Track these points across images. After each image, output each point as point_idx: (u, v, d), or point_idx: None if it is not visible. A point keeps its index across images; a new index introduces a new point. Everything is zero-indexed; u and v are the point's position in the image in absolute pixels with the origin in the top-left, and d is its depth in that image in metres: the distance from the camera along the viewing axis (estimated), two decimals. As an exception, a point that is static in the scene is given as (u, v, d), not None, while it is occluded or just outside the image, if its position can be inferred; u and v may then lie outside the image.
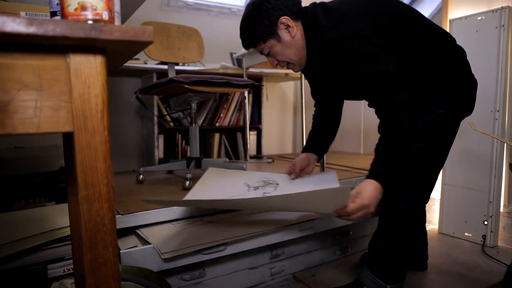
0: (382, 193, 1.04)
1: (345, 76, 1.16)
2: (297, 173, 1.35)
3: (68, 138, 0.81)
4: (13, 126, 0.45)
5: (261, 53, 1.21)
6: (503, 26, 1.65)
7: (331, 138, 1.45)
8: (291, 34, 1.14)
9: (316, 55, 1.17)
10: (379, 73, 1.05)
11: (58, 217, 1.17)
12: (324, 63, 1.18)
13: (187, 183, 1.55)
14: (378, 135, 1.41)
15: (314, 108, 1.47)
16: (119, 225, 1.14)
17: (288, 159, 2.51)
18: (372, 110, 1.21)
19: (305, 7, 1.17)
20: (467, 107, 1.21)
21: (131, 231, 1.19)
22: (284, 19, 1.13)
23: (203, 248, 1.11)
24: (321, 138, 1.44)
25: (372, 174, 1.05)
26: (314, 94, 1.46)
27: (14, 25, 0.41)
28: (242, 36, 1.21)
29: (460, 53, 1.19)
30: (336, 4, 1.14)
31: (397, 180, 1.09)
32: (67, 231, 1.07)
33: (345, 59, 1.09)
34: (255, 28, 1.15)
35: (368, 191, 1.01)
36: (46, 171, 1.76)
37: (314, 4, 1.17)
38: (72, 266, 1.04)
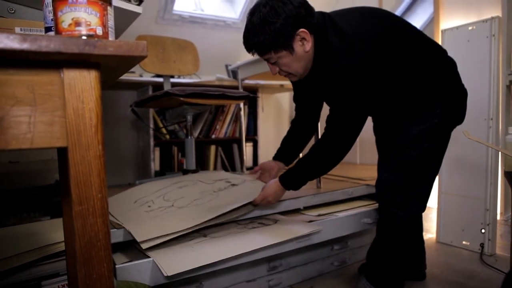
0: (284, 191, 1.28)
1: (333, 91, 1.16)
2: (258, 173, 1.52)
3: (62, 153, 0.80)
4: (6, 142, 0.45)
5: (265, 59, 1.14)
6: (493, 35, 1.68)
7: (303, 147, 1.50)
8: (304, 48, 1.08)
9: (318, 69, 1.14)
10: (351, 108, 1.14)
11: (53, 232, 1.16)
12: (322, 76, 1.16)
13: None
14: (375, 147, 1.43)
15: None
16: (114, 240, 1.13)
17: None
18: (369, 123, 1.24)
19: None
20: (459, 117, 1.23)
21: (129, 245, 1.18)
22: (302, 32, 1.05)
23: (209, 264, 1.06)
24: (293, 146, 1.48)
25: (282, 177, 1.26)
26: (296, 98, 1.46)
27: (8, 42, 0.41)
28: (251, 40, 1.08)
29: (452, 64, 1.21)
30: (343, 21, 1.08)
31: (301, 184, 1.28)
32: (62, 246, 1.06)
33: (342, 80, 1.08)
34: (270, 36, 1.04)
35: (271, 188, 1.27)
36: (41, 185, 1.74)
37: (323, 15, 1.12)
38: (66, 282, 1.03)
